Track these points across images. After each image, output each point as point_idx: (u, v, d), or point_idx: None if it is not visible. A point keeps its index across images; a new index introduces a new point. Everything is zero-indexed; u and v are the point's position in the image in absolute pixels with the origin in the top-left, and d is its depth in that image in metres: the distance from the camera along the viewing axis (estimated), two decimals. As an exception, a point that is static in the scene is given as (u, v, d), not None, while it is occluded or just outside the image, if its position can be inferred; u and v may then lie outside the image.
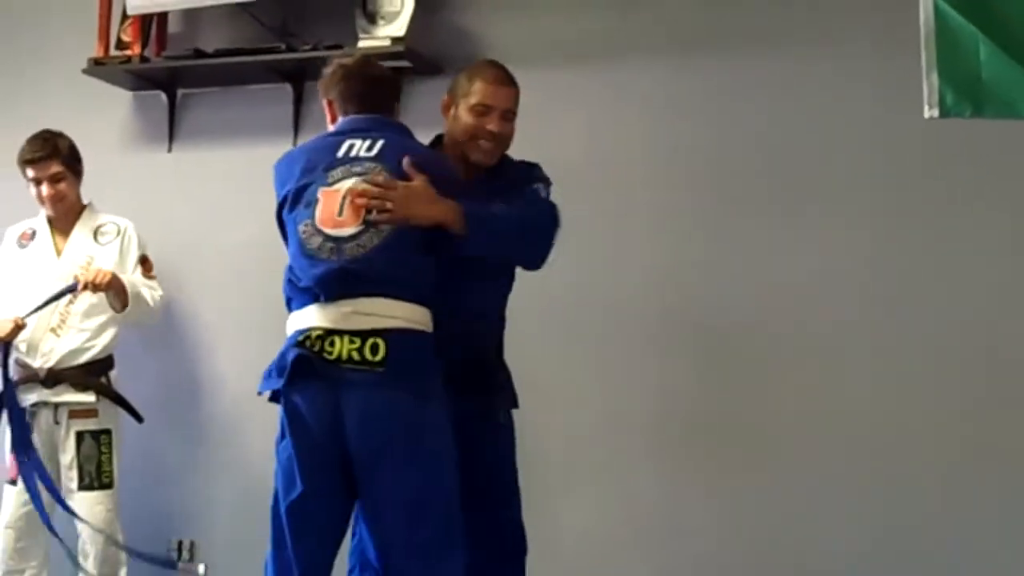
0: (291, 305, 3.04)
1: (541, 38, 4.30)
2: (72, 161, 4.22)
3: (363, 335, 2.86)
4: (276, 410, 3.02)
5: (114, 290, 4.07)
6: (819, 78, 4.04)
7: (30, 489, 3.93)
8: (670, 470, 4.07)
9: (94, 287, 4.01)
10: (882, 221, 3.96)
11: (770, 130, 4.08)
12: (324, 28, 4.37)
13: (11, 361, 4.05)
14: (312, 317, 2.93)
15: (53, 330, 4.10)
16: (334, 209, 2.95)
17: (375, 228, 2.93)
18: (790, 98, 4.07)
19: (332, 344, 2.87)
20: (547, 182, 3.28)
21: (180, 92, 4.76)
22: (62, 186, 4.19)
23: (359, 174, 2.99)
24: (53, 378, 4.07)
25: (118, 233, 4.24)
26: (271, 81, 4.56)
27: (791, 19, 4.09)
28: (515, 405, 3.34)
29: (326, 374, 2.86)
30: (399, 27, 4.26)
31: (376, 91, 3.18)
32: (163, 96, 4.75)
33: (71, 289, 4.01)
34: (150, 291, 4.20)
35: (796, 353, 3.99)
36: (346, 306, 2.90)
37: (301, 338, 2.91)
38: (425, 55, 4.29)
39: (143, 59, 4.59)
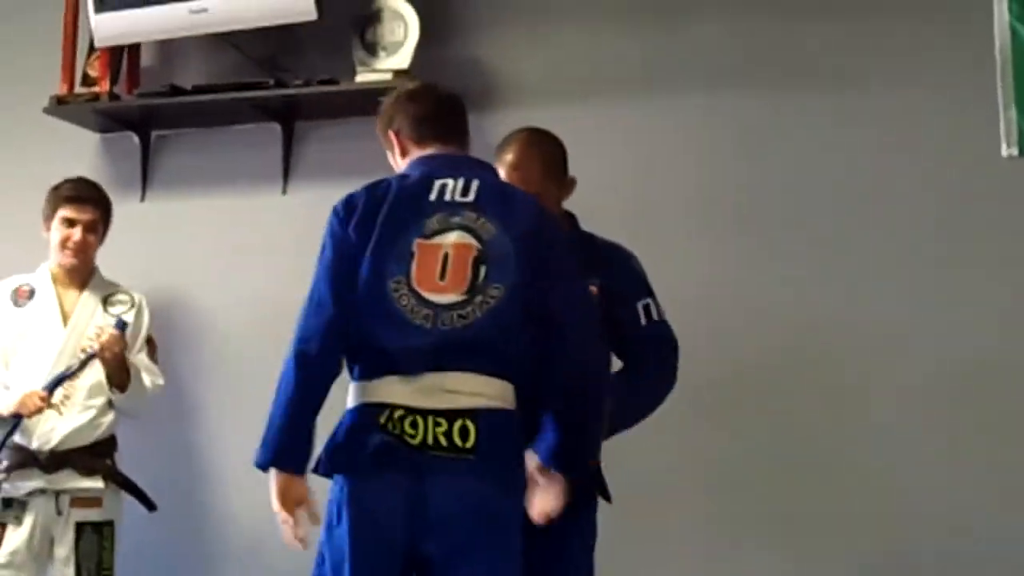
0: (358, 368, 2.70)
1: (559, 71, 4.08)
2: (107, 218, 3.99)
3: (450, 416, 2.60)
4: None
5: (115, 366, 3.75)
6: (875, 113, 3.79)
7: None
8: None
9: (103, 356, 3.70)
10: (952, 273, 3.68)
11: (821, 170, 3.82)
12: (318, 61, 4.11)
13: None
14: (390, 392, 2.64)
15: (54, 407, 3.72)
16: (434, 269, 2.67)
17: (483, 296, 2.65)
18: (843, 135, 3.82)
19: (415, 426, 2.60)
20: (650, 289, 3.16)
21: (154, 134, 4.48)
22: (92, 238, 3.92)
23: (459, 226, 2.70)
24: (56, 461, 3.70)
25: (132, 305, 3.93)
26: (258, 120, 4.29)
27: (841, 49, 3.82)
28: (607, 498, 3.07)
29: (407, 460, 2.59)
30: (403, 59, 4.00)
31: (454, 114, 2.94)
32: (135, 138, 4.46)
33: (92, 356, 3.71)
34: (151, 377, 3.88)
35: (855, 406, 3.71)
36: (430, 380, 2.62)
37: (383, 420, 2.61)
38: (433, 91, 3.97)
39: (112, 96, 4.34)
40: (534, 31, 4.05)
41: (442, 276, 2.65)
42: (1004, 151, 3.57)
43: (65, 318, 3.82)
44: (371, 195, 2.76)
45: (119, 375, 3.75)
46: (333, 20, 3.96)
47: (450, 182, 2.75)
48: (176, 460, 4.24)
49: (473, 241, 2.68)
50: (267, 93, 4.12)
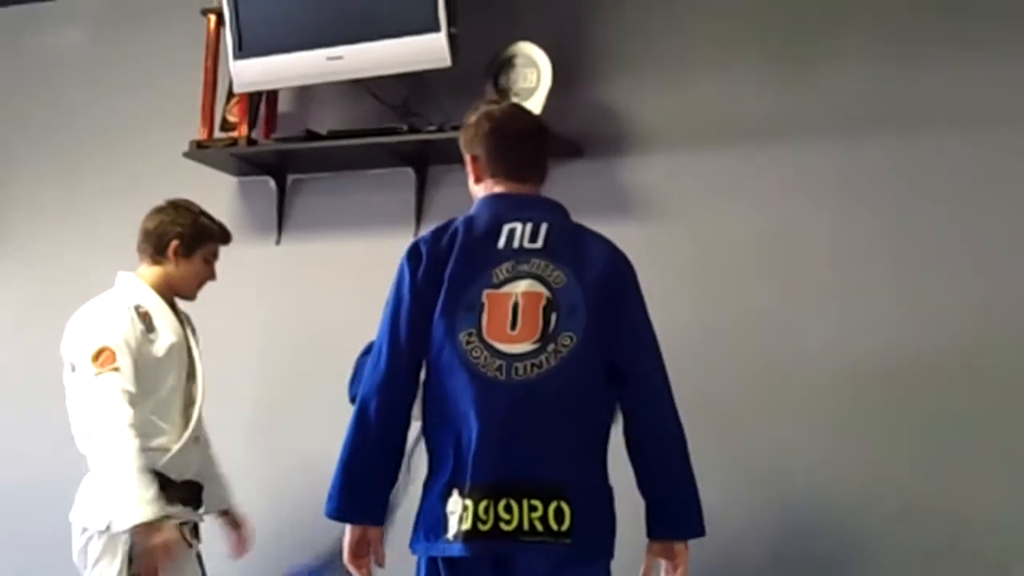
0: (435, 423, 2.66)
1: (691, 119, 4.02)
2: None
3: (544, 497, 2.54)
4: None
5: None
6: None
7: None
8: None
9: None
10: None
11: (961, 221, 3.69)
12: (451, 106, 4.03)
13: None
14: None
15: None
16: (505, 320, 2.63)
17: (555, 344, 2.59)
18: (987, 186, 3.67)
19: (509, 510, 2.52)
20: None
21: (290, 177, 4.51)
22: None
23: (529, 274, 2.65)
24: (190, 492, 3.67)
25: (190, 323, 3.81)
26: (391, 165, 4.28)
27: (981, 95, 3.70)
28: None
29: (499, 546, 2.54)
30: (535, 105, 3.95)
31: (531, 151, 2.89)
32: (271, 182, 4.50)
33: None
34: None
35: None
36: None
37: (470, 504, 2.54)
38: (564, 136, 3.97)
39: (250, 141, 4.36)
40: (666, 79, 4.01)
41: (513, 326, 2.61)
42: None
43: (190, 350, 3.68)
44: (437, 243, 2.71)
45: None
46: (467, 66, 3.95)
47: (518, 226, 2.71)
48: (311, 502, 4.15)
49: (543, 289, 2.64)
50: (401, 138, 4.09)
